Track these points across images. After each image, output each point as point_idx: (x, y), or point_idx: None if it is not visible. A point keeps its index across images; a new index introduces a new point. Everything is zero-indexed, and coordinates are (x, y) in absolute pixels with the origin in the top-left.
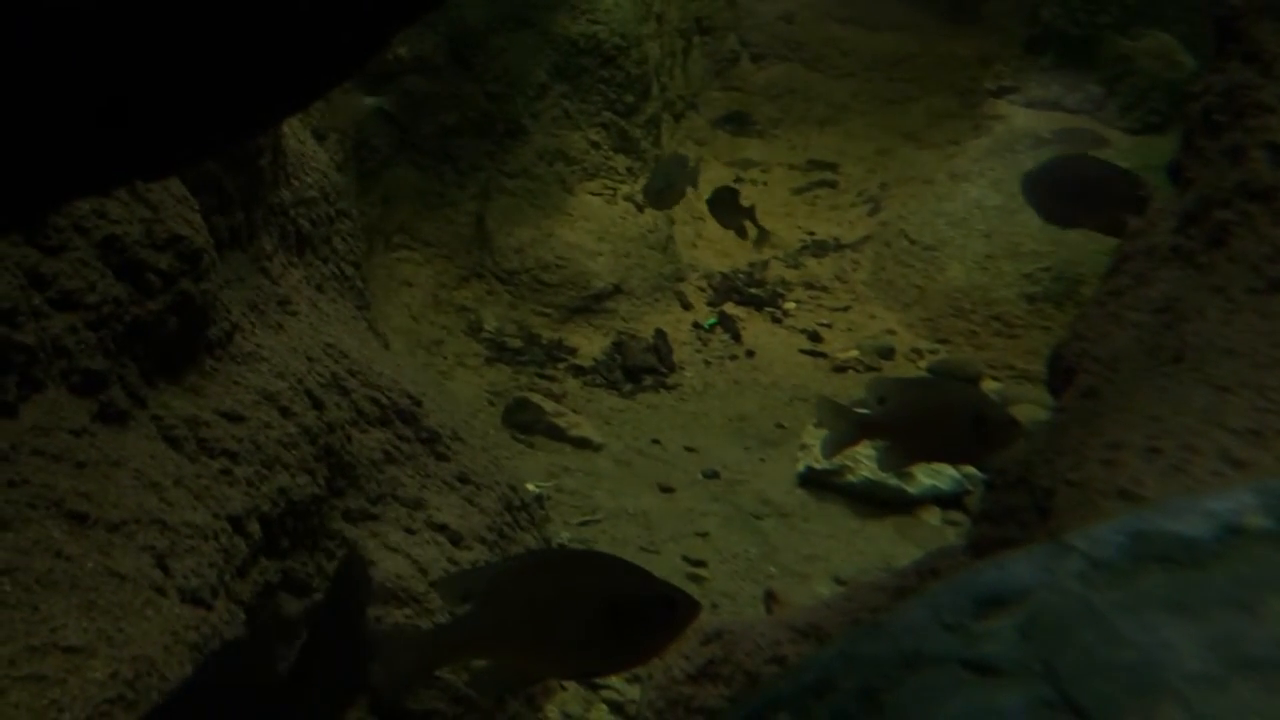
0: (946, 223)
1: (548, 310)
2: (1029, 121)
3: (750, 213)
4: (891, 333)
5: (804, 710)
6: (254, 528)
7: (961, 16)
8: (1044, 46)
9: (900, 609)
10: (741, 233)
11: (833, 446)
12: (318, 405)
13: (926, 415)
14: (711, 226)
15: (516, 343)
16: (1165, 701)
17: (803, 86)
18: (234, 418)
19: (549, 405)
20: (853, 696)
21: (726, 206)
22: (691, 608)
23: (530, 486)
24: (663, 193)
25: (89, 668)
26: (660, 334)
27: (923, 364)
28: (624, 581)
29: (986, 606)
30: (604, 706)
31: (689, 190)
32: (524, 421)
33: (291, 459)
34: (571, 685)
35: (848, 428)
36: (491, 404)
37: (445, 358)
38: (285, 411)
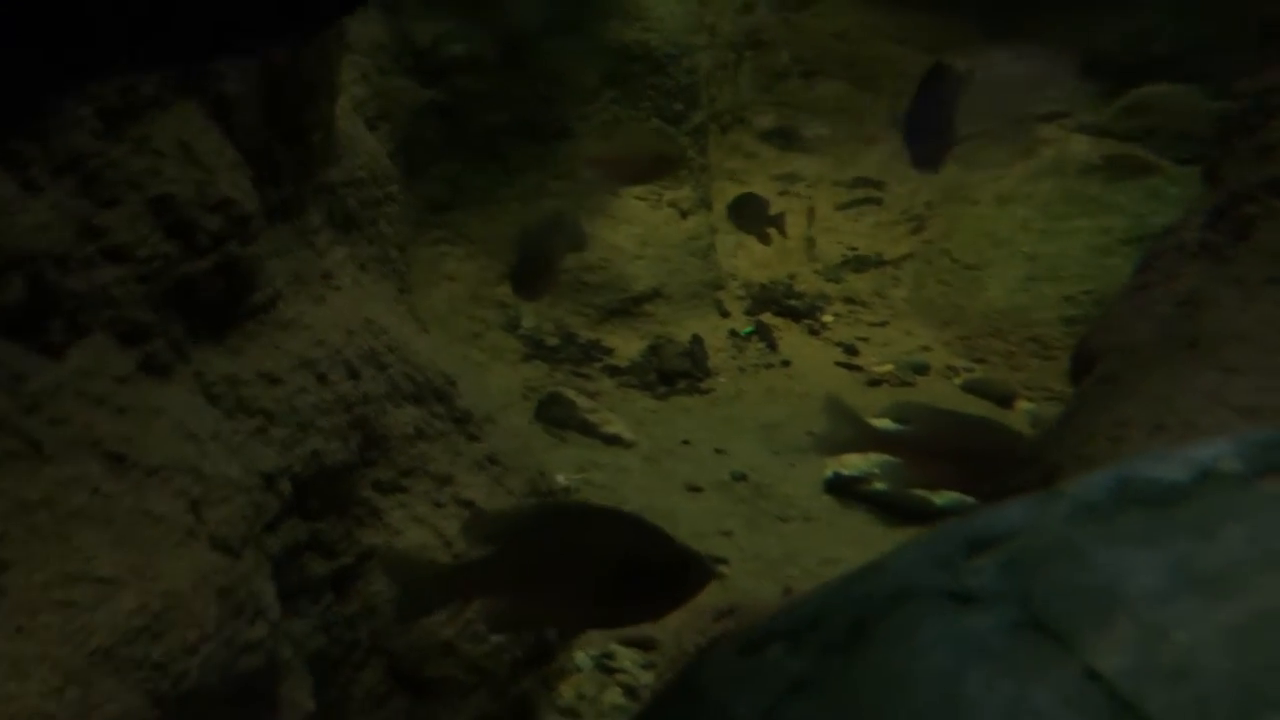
0: (990, 243)
1: (586, 310)
2: (1079, 146)
3: (778, 220)
4: (927, 349)
5: (797, 640)
6: (285, 486)
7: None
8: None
9: (897, 551)
10: (764, 239)
11: (829, 446)
12: (354, 376)
13: (964, 452)
14: (753, 236)
15: (554, 340)
16: (1120, 615)
17: (852, 104)
18: (272, 380)
19: (583, 402)
20: (843, 627)
21: (749, 212)
22: (704, 573)
23: (559, 478)
24: (535, 284)
25: (119, 598)
26: (697, 339)
27: (958, 381)
28: (642, 540)
29: (977, 547)
30: (618, 689)
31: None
32: (557, 416)
33: (326, 424)
34: (587, 667)
35: (852, 433)
36: (525, 398)
37: (482, 351)
38: (322, 379)
